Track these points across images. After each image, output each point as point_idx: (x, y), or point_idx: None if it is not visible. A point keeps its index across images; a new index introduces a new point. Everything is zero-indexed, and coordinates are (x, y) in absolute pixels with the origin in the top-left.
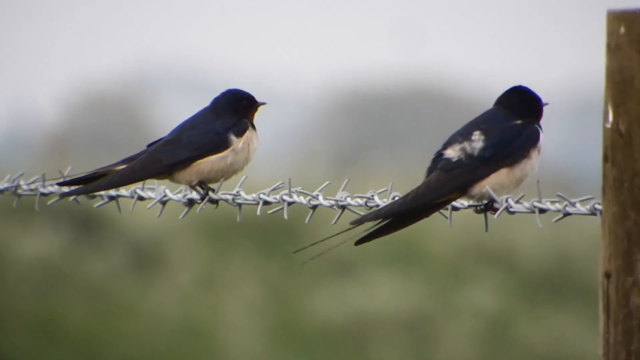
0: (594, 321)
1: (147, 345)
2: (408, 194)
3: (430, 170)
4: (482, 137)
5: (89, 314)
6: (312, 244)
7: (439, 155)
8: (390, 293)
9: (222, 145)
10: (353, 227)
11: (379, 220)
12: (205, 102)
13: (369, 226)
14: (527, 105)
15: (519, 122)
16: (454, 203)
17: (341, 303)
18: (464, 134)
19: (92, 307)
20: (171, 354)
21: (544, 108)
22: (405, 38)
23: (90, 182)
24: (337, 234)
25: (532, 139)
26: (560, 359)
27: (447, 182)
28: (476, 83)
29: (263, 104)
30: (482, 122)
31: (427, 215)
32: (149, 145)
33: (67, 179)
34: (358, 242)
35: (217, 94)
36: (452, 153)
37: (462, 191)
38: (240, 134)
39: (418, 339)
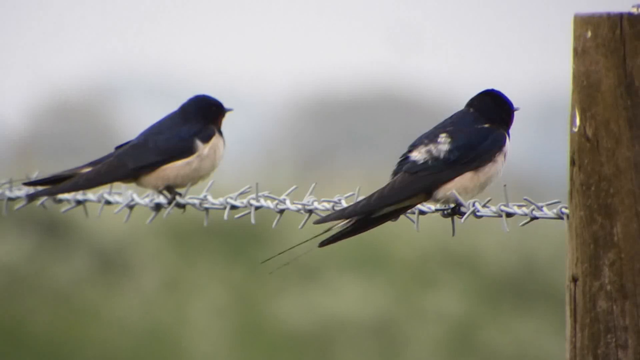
0: (560, 326)
1: (113, 350)
2: (372, 195)
3: (395, 173)
4: (448, 140)
5: (54, 320)
6: (279, 253)
7: (405, 157)
8: (356, 297)
9: (188, 150)
10: (320, 234)
11: (343, 222)
12: (171, 108)
13: (334, 229)
14: (498, 109)
15: (487, 125)
16: (421, 207)
17: (306, 307)
18: (430, 137)
19: (57, 312)
20: (137, 359)
21: (515, 113)
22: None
23: (56, 185)
24: (304, 241)
25: (497, 143)
26: None
27: (412, 183)
28: (441, 87)
29: (230, 110)
30: (449, 125)
31: (395, 219)
32: (117, 148)
33: (33, 179)
34: (322, 244)
35: (182, 99)
36: (417, 155)
37: (427, 193)
38: (206, 140)
39: (383, 343)
